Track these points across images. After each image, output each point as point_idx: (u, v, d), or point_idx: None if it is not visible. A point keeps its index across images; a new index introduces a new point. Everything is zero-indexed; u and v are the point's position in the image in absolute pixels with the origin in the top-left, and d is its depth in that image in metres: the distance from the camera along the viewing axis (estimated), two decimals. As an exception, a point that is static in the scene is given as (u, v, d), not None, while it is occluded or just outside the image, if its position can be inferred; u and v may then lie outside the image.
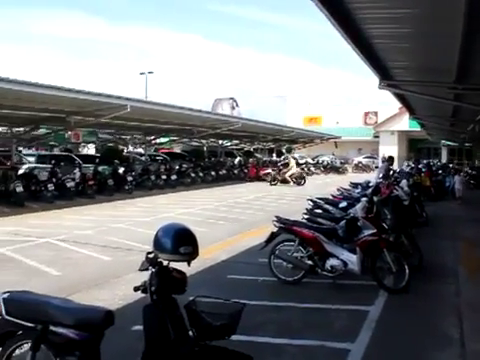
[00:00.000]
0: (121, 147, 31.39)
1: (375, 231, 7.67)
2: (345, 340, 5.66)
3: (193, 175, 27.46)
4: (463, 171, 28.78)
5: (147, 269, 3.57)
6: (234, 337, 3.57)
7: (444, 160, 46.00)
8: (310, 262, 7.82)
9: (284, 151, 43.92)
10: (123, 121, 22.32)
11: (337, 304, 6.91)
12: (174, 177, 25.67)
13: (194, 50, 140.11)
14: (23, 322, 3.57)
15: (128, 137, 29.94)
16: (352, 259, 7.60)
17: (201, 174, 28.36)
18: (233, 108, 61.24)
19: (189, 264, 3.56)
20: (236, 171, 32.90)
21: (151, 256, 3.56)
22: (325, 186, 25.43)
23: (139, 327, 3.77)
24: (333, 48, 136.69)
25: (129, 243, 10.79)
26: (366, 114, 60.91)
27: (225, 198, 21.09)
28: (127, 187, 21.93)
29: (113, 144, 31.20)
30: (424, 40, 7.89)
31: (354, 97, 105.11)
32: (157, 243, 3.53)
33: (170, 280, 3.55)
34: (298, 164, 39.99)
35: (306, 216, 9.46)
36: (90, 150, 36.86)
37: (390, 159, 16.85)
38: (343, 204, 10.02)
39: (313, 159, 46.19)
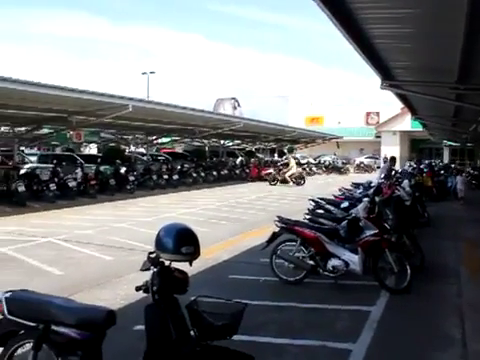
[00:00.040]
0: (123, 147, 31.40)
1: (377, 231, 7.66)
2: (347, 340, 5.66)
3: (195, 175, 27.47)
4: (465, 171, 28.72)
5: (149, 269, 3.57)
6: (236, 337, 3.57)
7: (446, 160, 45.95)
8: (312, 262, 7.82)
9: (286, 151, 43.90)
10: (125, 121, 22.34)
11: (339, 304, 6.91)
12: (176, 177, 25.67)
13: (196, 50, 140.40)
14: (25, 321, 3.58)
15: (130, 137, 29.95)
16: (354, 259, 7.60)
17: (203, 174, 28.37)
18: (235, 108, 61.23)
19: (191, 264, 3.57)
20: (238, 171, 32.89)
21: (153, 256, 3.57)
22: (326, 186, 25.42)
23: (141, 327, 3.77)
24: (335, 48, 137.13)
25: (131, 243, 10.80)
26: (368, 114, 60.87)
27: (227, 198, 21.09)
28: (129, 187, 21.95)
29: (115, 144, 31.22)
30: (426, 40, 7.89)
31: (356, 97, 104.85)
32: (159, 243, 3.53)
33: (172, 280, 3.55)
34: (300, 164, 40.07)
35: (308, 216, 9.46)
36: (92, 150, 36.89)
37: (392, 160, 16.84)
38: (345, 204, 10.03)
39: (315, 159, 46.18)
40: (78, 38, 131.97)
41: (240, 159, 36.86)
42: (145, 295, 3.61)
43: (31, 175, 18.92)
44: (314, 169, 41.05)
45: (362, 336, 5.81)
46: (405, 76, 10.91)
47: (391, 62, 9.64)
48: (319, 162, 45.03)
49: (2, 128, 21.42)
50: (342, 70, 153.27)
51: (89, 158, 25.39)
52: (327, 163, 44.84)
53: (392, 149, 45.44)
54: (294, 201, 19.74)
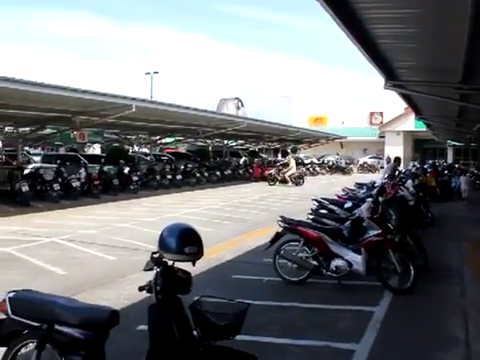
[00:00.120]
0: (126, 147, 31.46)
1: (380, 231, 7.66)
2: (350, 340, 5.66)
3: (198, 175, 27.48)
4: (469, 171, 28.66)
5: (152, 269, 3.58)
6: (239, 337, 3.57)
7: (450, 160, 45.83)
8: (315, 262, 7.82)
9: (289, 151, 43.88)
10: (128, 121, 22.38)
11: (342, 304, 6.90)
12: (179, 177, 25.70)
13: (199, 50, 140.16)
14: (29, 321, 3.59)
15: (133, 137, 30.00)
16: (357, 259, 7.59)
17: (206, 174, 28.38)
18: (238, 108, 61.22)
19: (194, 264, 3.57)
20: (241, 171, 32.90)
21: (156, 256, 3.57)
22: (328, 186, 25.39)
23: (144, 327, 3.78)
24: (338, 48, 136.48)
25: (134, 243, 10.82)
26: (372, 114, 60.76)
27: (230, 198, 21.10)
28: (132, 187, 21.98)
29: (118, 144, 31.28)
30: (430, 40, 7.87)
31: (359, 97, 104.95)
32: (162, 243, 3.53)
33: (175, 280, 3.56)
34: (304, 164, 40.07)
35: (311, 216, 9.46)
36: (96, 150, 36.96)
37: (397, 160, 16.80)
38: (348, 204, 10.02)
39: (318, 159, 46.13)
40: (81, 38, 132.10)
41: (243, 159, 36.86)
42: (148, 295, 3.61)
43: (35, 175, 18.97)
44: (317, 169, 41.03)
45: (365, 336, 5.80)
46: (409, 76, 10.89)
47: (395, 62, 9.62)
48: (322, 162, 44.99)
49: (6, 128, 21.48)
50: (346, 70, 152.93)
51: (93, 158, 25.45)
52: (330, 163, 44.79)
53: (396, 149, 45.36)
54: (297, 201, 19.73)
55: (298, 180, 29.35)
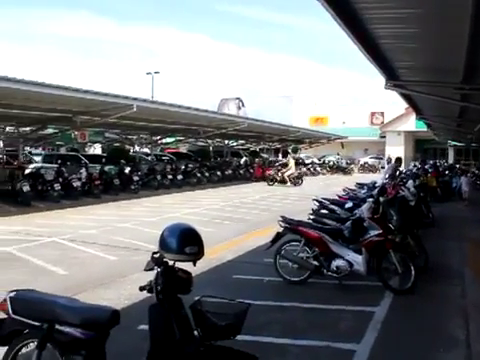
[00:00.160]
0: (127, 147, 31.48)
1: (381, 232, 7.65)
2: (350, 341, 5.66)
3: (199, 175, 27.49)
4: (470, 172, 28.62)
5: (153, 269, 3.58)
6: (239, 337, 3.57)
7: (451, 161, 45.81)
8: (316, 262, 7.82)
9: (290, 151, 43.89)
10: (129, 121, 22.39)
11: (342, 305, 6.90)
12: (180, 177, 25.71)
13: (200, 50, 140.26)
14: (29, 321, 3.59)
15: (134, 137, 30.02)
16: (358, 260, 7.59)
17: (207, 174, 28.38)
18: (239, 108, 61.22)
19: (195, 264, 3.57)
20: (242, 171, 32.90)
21: (157, 256, 3.57)
22: (329, 186, 25.36)
23: (144, 327, 3.78)
24: (339, 48, 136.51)
25: (135, 243, 10.82)
26: (372, 114, 60.75)
27: (231, 198, 21.11)
28: (133, 187, 21.99)
29: (119, 144, 31.30)
30: (431, 40, 7.87)
31: (360, 97, 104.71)
32: (163, 243, 3.53)
33: (176, 280, 3.56)
34: (304, 164, 40.07)
35: (312, 216, 9.46)
36: (96, 150, 36.98)
37: (398, 160, 16.79)
38: (349, 204, 10.02)
39: (319, 159, 46.12)
40: (82, 38, 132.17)
41: (244, 159, 36.86)
42: (149, 295, 3.61)
43: (36, 175, 18.98)
44: (318, 169, 41.03)
45: (366, 337, 5.80)
46: (410, 76, 10.88)
47: (396, 62, 9.61)
48: (323, 162, 44.98)
49: (7, 128, 21.50)
50: (346, 70, 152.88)
51: (93, 158, 25.47)
52: (331, 163, 44.78)
53: (397, 149, 45.36)
54: (297, 201, 19.73)
55: (297, 180, 29.33)
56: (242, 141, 40.50)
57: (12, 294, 3.75)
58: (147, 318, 3.54)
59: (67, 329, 3.47)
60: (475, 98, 12.20)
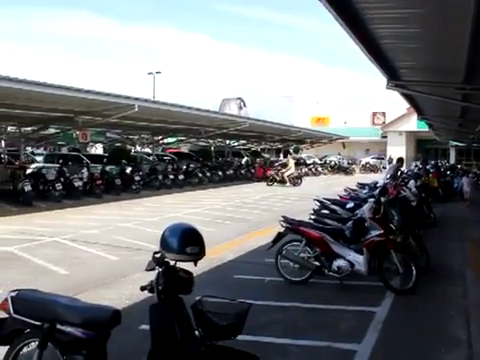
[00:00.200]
0: (129, 147, 31.49)
1: (382, 232, 7.65)
2: (351, 341, 5.66)
3: (200, 175, 27.50)
4: (471, 172, 28.58)
5: (154, 269, 3.58)
6: (240, 337, 3.58)
7: (452, 161, 45.79)
8: (317, 263, 7.82)
9: (291, 151, 43.87)
10: (131, 121, 22.40)
11: (344, 305, 6.90)
12: (181, 177, 25.71)
13: (201, 50, 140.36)
14: (31, 320, 3.60)
15: (136, 137, 30.03)
16: (359, 260, 7.59)
17: (208, 174, 28.39)
18: (240, 108, 61.22)
19: (196, 264, 3.58)
20: (243, 171, 32.90)
21: (158, 256, 3.58)
22: (330, 187, 25.33)
23: (146, 326, 3.78)
24: (341, 48, 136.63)
25: (136, 243, 10.82)
26: (374, 114, 60.74)
27: (232, 198, 21.11)
28: (134, 187, 22.01)
29: (121, 144, 31.31)
30: (432, 40, 7.86)
31: (362, 97, 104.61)
32: (164, 243, 3.54)
33: (177, 280, 3.56)
34: (306, 164, 40.05)
35: (313, 216, 9.45)
36: (98, 150, 37.00)
37: (400, 160, 16.79)
38: (350, 205, 10.02)
39: (321, 159, 46.11)
40: (83, 38, 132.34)
41: (246, 159, 36.86)
42: (150, 295, 3.62)
43: (37, 175, 18.99)
44: (319, 169, 41.01)
45: (367, 337, 5.80)
46: (411, 76, 10.87)
47: (397, 62, 9.60)
48: (325, 162, 44.95)
49: (9, 128, 21.51)
50: (348, 70, 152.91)
51: (95, 158, 25.47)
52: (333, 163, 44.76)
53: (398, 149, 45.34)
54: (298, 201, 19.71)
55: (296, 180, 29.28)
56: (243, 141, 40.50)
57: (13, 294, 3.75)
58: (148, 318, 3.54)
59: (68, 329, 3.48)
60: (476, 98, 12.18)
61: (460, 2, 5.88)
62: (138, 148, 31.12)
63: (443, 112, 18.59)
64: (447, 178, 23.30)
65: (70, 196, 18.69)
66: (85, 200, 18.84)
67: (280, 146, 44.61)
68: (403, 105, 32.69)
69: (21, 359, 3.77)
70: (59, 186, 18.21)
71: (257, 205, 18.85)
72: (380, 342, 5.67)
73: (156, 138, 30.24)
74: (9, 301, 3.70)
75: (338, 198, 11.78)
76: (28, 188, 17.01)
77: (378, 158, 51.31)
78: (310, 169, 39.36)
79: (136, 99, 18.06)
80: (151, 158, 29.19)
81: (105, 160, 24.75)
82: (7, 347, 3.77)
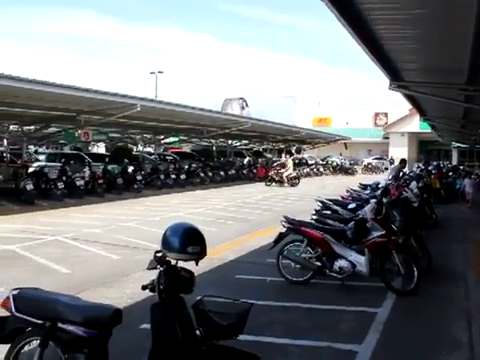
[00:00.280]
0: (131, 146, 31.51)
1: (384, 233, 7.64)
2: (352, 342, 5.65)
3: (202, 175, 27.51)
4: (474, 173, 28.53)
5: (155, 268, 3.58)
6: (241, 337, 3.58)
7: (454, 162, 45.72)
8: (318, 263, 7.81)
9: (293, 151, 43.83)
10: (133, 120, 22.41)
11: (345, 305, 6.89)
12: (183, 177, 25.73)
13: (204, 50, 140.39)
14: (32, 319, 3.60)
15: (138, 136, 30.04)
16: (360, 260, 7.58)
17: (210, 174, 28.40)
18: (243, 108, 61.21)
19: (197, 263, 3.57)
20: (245, 171, 32.91)
21: (159, 255, 3.58)
22: (330, 187, 25.30)
23: (147, 325, 3.78)
24: (343, 48, 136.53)
25: (138, 242, 10.83)
26: (376, 115, 60.71)
27: (234, 198, 21.10)
28: (136, 186, 22.03)
29: (123, 143, 31.32)
30: (435, 41, 7.86)
31: (364, 98, 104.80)
32: (165, 242, 3.54)
33: (178, 279, 3.56)
34: (308, 164, 40.01)
35: (314, 217, 9.45)
36: (100, 149, 37.02)
37: (403, 162, 16.77)
38: (352, 205, 10.01)
39: (323, 160, 46.08)
40: (86, 37, 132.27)
41: (247, 159, 36.85)
42: (151, 294, 3.62)
43: (39, 173, 19.03)
44: (321, 170, 40.98)
45: (368, 338, 5.79)
46: (414, 77, 10.87)
47: (400, 63, 9.60)
48: (327, 163, 44.93)
49: (11, 127, 21.55)
50: (350, 70, 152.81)
51: (97, 157, 25.49)
52: (334, 164, 44.73)
53: (400, 150, 45.36)
54: (300, 201, 19.70)
55: (294, 181, 29.22)
56: (245, 141, 40.48)
57: (15, 292, 3.76)
58: (149, 317, 3.54)
59: (69, 327, 3.48)
60: (479, 99, 12.17)
61: (463, 3, 5.87)
62: (140, 147, 31.11)
63: (445, 113, 18.58)
64: (449, 179, 23.25)
65: (72, 195, 18.72)
66: (87, 199, 18.86)
67: (282, 146, 44.57)
68: (405, 106, 32.63)
69: (22, 357, 3.77)
70: (61, 185, 18.25)
71: (259, 205, 18.84)
72: (381, 343, 5.66)
73: (158, 137, 30.25)
74: (11, 299, 3.71)
75: (340, 198, 11.77)
76: (30, 187, 17.04)
77: (380, 159, 51.25)
78: (312, 169, 39.33)
79: (138, 98, 18.07)
80: (153, 157, 29.20)
81: (107, 159, 24.76)
82: (8, 345, 3.77)
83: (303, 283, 7.88)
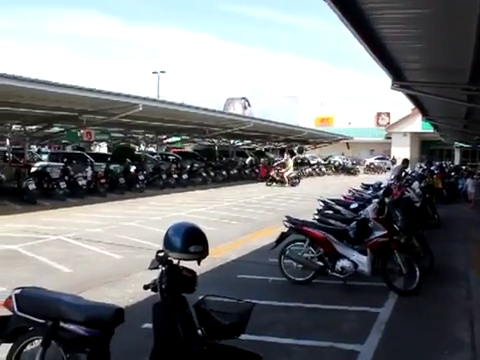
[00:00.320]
0: (133, 146, 31.54)
1: (386, 232, 7.64)
2: (354, 341, 5.65)
3: (204, 174, 27.53)
4: (476, 173, 28.47)
5: (157, 267, 3.58)
6: (243, 336, 3.58)
7: (457, 162, 45.61)
8: (320, 263, 7.81)
9: (295, 151, 43.80)
10: (135, 120, 22.42)
11: (347, 305, 6.89)
12: (185, 176, 25.75)
13: (206, 50, 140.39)
14: (34, 318, 3.61)
15: (140, 136, 30.06)
16: (362, 260, 7.57)
17: (212, 173, 28.41)
18: (245, 108, 61.22)
19: (199, 263, 3.57)
20: (247, 171, 32.91)
21: (161, 255, 3.58)
22: (333, 187, 25.28)
23: (149, 325, 3.78)
24: (346, 48, 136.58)
25: (140, 241, 10.84)
26: (378, 115, 60.67)
27: (236, 198, 21.10)
28: (138, 186, 22.05)
29: (125, 143, 31.35)
30: (438, 41, 7.84)
31: (366, 97, 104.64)
32: (167, 242, 3.54)
33: (180, 279, 3.56)
34: (310, 164, 39.98)
35: (317, 216, 9.45)
36: (102, 149, 37.05)
37: (405, 162, 16.76)
38: (354, 205, 10.01)
39: (325, 160, 46.05)
40: (88, 37, 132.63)
41: (250, 159, 36.86)
42: (153, 293, 3.62)
43: (42, 173, 19.06)
44: (323, 169, 40.94)
45: (370, 337, 5.79)
46: (416, 77, 10.84)
47: (402, 63, 9.58)
48: (329, 162, 44.89)
49: (13, 126, 21.60)
50: (353, 70, 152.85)
51: (99, 157, 25.57)
52: (337, 164, 44.69)
53: (402, 150, 45.28)
54: (305, 201, 19.69)
55: (294, 181, 29.20)
56: (248, 141, 40.47)
57: (17, 291, 3.77)
58: (151, 317, 3.54)
59: (71, 327, 3.49)
60: (482, 99, 12.14)
61: (466, 2, 5.86)
62: (142, 147, 31.15)
63: (448, 113, 18.54)
64: (451, 179, 23.22)
65: (74, 195, 18.75)
66: (89, 199, 18.89)
67: (284, 146, 44.55)
68: (408, 106, 32.63)
69: (25, 356, 3.78)
70: (63, 184, 18.29)
71: (261, 205, 18.83)
72: (383, 343, 5.66)
73: (160, 137, 30.27)
74: (13, 299, 3.72)
75: (342, 198, 11.76)
76: (32, 186, 17.07)
77: (382, 159, 51.18)
78: (314, 169, 39.30)
79: (140, 98, 18.09)
80: (155, 157, 29.22)
81: (109, 159, 24.82)
82: (11, 344, 3.78)
83: (305, 283, 7.88)
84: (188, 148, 40.11)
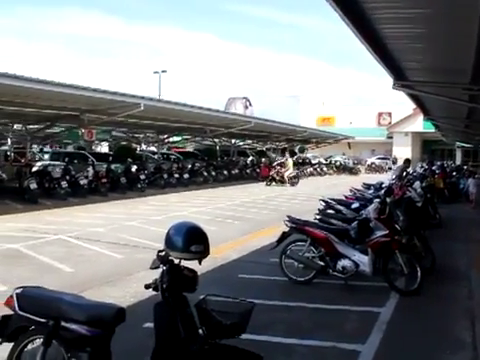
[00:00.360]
0: (134, 145, 31.55)
1: (387, 232, 7.63)
2: (356, 341, 5.64)
3: (205, 174, 27.53)
4: (478, 173, 28.44)
5: (158, 267, 3.58)
6: (244, 336, 3.57)
7: (458, 162, 45.55)
8: (321, 262, 7.80)
9: (296, 151, 43.78)
10: (136, 119, 22.44)
11: (348, 305, 6.88)
12: (186, 176, 25.75)
13: (208, 49, 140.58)
14: (35, 317, 3.61)
15: (141, 135, 30.07)
16: (364, 260, 7.57)
17: (213, 173, 28.42)
18: (246, 107, 61.20)
19: (200, 263, 3.57)
20: (248, 170, 32.91)
21: (162, 254, 3.58)
22: (335, 187, 25.29)
23: (150, 324, 3.79)
24: (347, 48, 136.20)
25: (141, 241, 10.84)
26: (380, 115, 60.60)
27: (237, 197, 21.11)
28: (140, 185, 22.07)
29: (126, 142, 31.36)
30: (439, 40, 7.83)
31: (368, 97, 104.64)
32: (168, 241, 3.54)
33: (181, 278, 3.56)
34: (311, 164, 39.96)
35: (318, 216, 9.44)
36: (103, 148, 37.07)
37: (407, 162, 16.74)
38: (355, 205, 10.00)
39: (326, 159, 46.04)
40: (90, 37, 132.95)
41: (251, 158, 36.85)
42: (154, 293, 3.62)
43: (43, 173, 19.08)
44: (325, 169, 40.93)
45: (371, 337, 5.78)
46: (418, 76, 10.83)
47: (404, 62, 9.57)
48: (330, 162, 44.89)
49: (15, 126, 21.62)
50: (354, 70, 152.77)
51: (100, 156, 25.56)
52: (338, 163, 44.68)
53: (404, 150, 45.26)
54: (306, 201, 19.69)
55: (294, 180, 29.17)
56: (249, 141, 40.47)
57: (18, 291, 3.77)
58: (152, 316, 3.54)
59: (73, 326, 3.49)
60: (483, 99, 12.12)
61: (467, 2, 5.85)
62: (143, 147, 31.15)
63: (449, 113, 18.52)
64: (453, 179, 23.20)
65: (75, 194, 18.77)
66: (90, 198, 18.89)
67: (286, 146, 44.54)
68: (409, 105, 32.60)
69: (26, 356, 3.79)
70: (65, 184, 18.30)
71: (262, 204, 18.83)
72: (384, 343, 5.66)
73: (161, 137, 30.27)
74: (14, 298, 3.72)
75: (343, 198, 11.76)
76: (34, 186, 17.08)
77: (384, 158, 51.14)
78: (315, 169, 39.28)
79: (141, 98, 18.11)
80: (156, 157, 29.23)
81: (110, 158, 24.82)
82: (12, 344, 3.78)
83: (306, 283, 7.87)
84: (189, 148, 40.10)
